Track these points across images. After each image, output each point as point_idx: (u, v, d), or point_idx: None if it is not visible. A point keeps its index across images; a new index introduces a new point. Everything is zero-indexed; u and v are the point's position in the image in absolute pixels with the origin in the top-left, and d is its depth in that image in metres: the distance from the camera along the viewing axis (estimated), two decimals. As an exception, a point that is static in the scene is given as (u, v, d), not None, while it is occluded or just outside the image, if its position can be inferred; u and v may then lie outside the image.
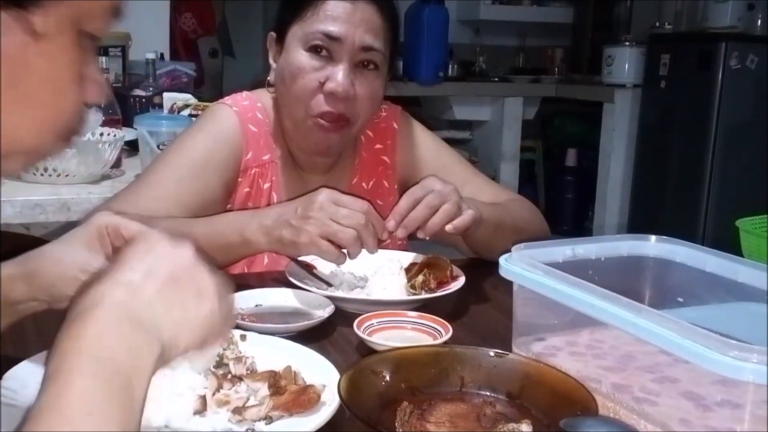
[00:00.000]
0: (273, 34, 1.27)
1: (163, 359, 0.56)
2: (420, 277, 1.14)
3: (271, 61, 1.29)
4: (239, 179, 1.29)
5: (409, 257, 1.23)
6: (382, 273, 1.15)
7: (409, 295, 1.12)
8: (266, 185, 1.30)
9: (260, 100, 1.32)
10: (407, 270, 1.16)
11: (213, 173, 1.25)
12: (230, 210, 1.28)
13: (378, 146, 1.39)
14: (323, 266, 1.18)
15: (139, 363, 0.53)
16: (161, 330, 0.56)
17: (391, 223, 1.07)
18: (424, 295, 1.11)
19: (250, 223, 1.10)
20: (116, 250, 0.77)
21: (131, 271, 0.59)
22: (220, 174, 1.25)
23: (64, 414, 0.47)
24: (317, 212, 1.04)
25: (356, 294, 1.13)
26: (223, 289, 0.63)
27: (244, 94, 1.34)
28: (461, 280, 1.15)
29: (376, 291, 1.12)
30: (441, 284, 1.14)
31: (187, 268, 0.61)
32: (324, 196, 1.05)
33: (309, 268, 1.18)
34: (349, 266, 1.16)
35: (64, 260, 0.77)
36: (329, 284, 1.15)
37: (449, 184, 1.12)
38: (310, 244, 1.05)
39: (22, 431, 0.47)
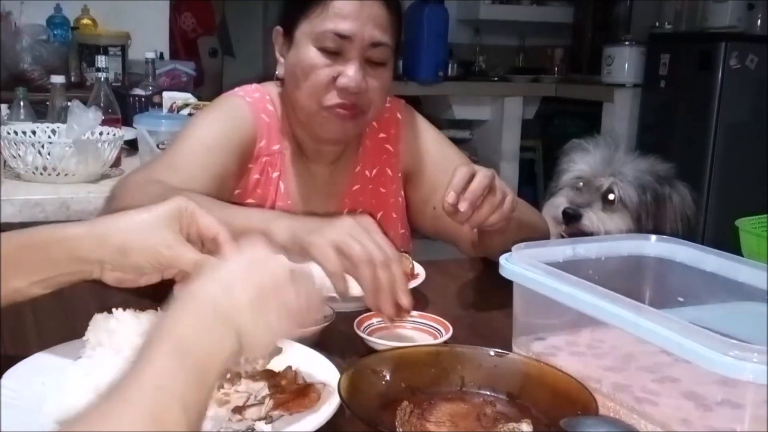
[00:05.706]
0: (279, 28, 1.29)
1: (236, 357, 0.62)
2: None
3: (277, 54, 1.30)
4: (250, 165, 1.31)
5: None
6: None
7: None
8: (275, 174, 1.32)
9: (269, 93, 1.35)
10: None
11: (229, 156, 1.25)
12: (238, 195, 1.29)
13: (382, 135, 1.41)
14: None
15: (214, 353, 0.59)
16: (242, 332, 0.61)
17: (451, 195, 1.02)
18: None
19: (280, 220, 1.01)
20: (188, 236, 0.81)
21: (231, 273, 0.65)
22: (236, 158, 1.26)
23: (139, 383, 0.53)
24: (339, 226, 0.94)
25: (356, 294, 1.12)
26: (310, 303, 0.69)
27: (254, 86, 1.36)
28: (420, 278, 1.17)
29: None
30: None
31: (279, 283, 0.67)
32: (355, 221, 0.95)
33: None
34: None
35: (146, 232, 0.79)
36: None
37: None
38: (318, 246, 0.93)
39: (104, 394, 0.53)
